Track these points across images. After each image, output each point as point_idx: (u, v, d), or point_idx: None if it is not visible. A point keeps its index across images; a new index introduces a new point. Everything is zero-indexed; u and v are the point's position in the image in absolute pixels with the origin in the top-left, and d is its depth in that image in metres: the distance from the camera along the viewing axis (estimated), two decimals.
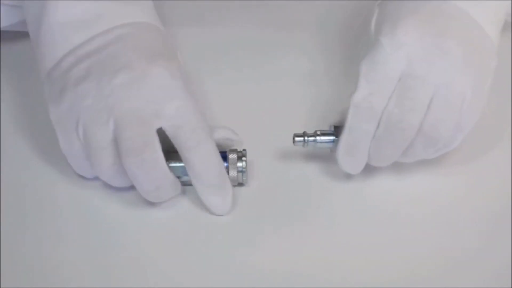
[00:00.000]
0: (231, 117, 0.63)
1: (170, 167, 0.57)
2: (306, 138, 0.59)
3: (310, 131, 0.60)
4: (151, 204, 0.58)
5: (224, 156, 0.58)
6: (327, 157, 0.61)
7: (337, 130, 0.59)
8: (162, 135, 0.57)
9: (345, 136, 0.58)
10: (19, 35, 0.67)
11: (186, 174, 0.57)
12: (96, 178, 0.59)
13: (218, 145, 0.58)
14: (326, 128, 0.60)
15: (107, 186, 0.58)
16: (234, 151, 0.59)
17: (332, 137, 0.59)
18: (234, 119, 0.63)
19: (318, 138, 0.59)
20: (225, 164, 0.58)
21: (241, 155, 0.59)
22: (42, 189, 0.60)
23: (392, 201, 0.59)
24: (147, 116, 0.56)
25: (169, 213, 0.58)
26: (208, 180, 0.57)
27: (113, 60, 0.57)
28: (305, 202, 0.59)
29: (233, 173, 0.58)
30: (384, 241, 0.57)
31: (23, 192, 0.60)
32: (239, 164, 0.58)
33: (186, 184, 0.58)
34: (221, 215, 0.58)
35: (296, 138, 0.59)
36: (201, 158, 0.56)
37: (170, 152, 0.57)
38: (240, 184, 0.59)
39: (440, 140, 0.57)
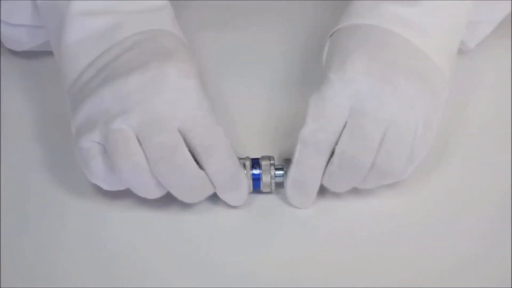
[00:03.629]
0: (234, 121, 0.65)
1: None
2: None
3: None
4: (153, 209, 0.59)
5: (257, 162, 0.59)
6: None
7: (287, 164, 0.59)
8: None
9: (292, 171, 0.57)
10: None
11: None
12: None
13: None
14: None
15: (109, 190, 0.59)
16: (266, 158, 0.59)
17: (281, 172, 0.59)
18: (237, 124, 0.64)
19: None
20: (258, 171, 0.59)
21: (273, 163, 0.59)
22: (43, 193, 0.61)
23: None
24: (167, 119, 0.55)
25: (172, 218, 0.59)
26: (221, 183, 0.57)
27: (127, 64, 0.57)
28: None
29: (266, 179, 0.59)
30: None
31: (25, 195, 0.61)
32: (272, 172, 0.59)
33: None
34: (236, 206, 0.59)
35: None
36: (212, 162, 0.56)
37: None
38: (268, 192, 0.60)
39: (392, 174, 0.57)
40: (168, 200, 0.59)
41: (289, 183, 0.58)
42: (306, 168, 0.57)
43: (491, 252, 0.58)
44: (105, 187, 0.58)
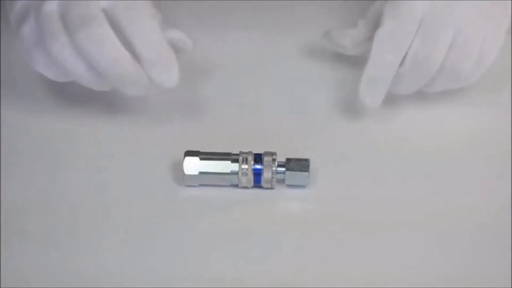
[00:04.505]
0: (237, 118, 0.65)
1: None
2: None
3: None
4: (152, 207, 0.59)
5: (259, 157, 0.60)
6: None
7: (288, 162, 0.59)
8: None
9: (368, 69, 0.62)
10: None
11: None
12: None
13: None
14: None
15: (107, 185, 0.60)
16: (269, 153, 0.60)
17: (283, 169, 0.60)
18: (237, 122, 0.65)
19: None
20: (260, 166, 0.60)
21: (275, 158, 0.60)
22: (42, 188, 0.61)
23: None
24: None
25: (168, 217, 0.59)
26: (149, 58, 0.58)
27: None
28: None
29: (267, 174, 0.59)
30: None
31: (24, 192, 0.60)
32: (273, 167, 0.59)
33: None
34: (169, 88, 0.59)
35: None
36: (137, 35, 0.58)
37: None
38: (269, 188, 0.60)
39: (461, 75, 0.62)
40: (167, 197, 0.60)
41: (363, 80, 0.62)
42: (382, 64, 0.61)
43: (491, 252, 0.58)
44: (49, 76, 0.60)
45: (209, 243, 0.58)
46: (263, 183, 0.60)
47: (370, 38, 0.63)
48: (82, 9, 0.57)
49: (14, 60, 0.68)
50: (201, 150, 0.60)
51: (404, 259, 0.57)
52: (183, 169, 0.60)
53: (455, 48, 0.61)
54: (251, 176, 0.60)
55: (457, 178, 0.62)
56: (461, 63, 0.62)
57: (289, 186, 0.61)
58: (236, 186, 0.60)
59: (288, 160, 0.60)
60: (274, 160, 0.60)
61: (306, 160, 0.60)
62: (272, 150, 0.60)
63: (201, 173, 0.60)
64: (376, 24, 0.63)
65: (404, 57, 0.61)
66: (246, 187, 0.60)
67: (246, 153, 0.60)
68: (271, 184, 0.60)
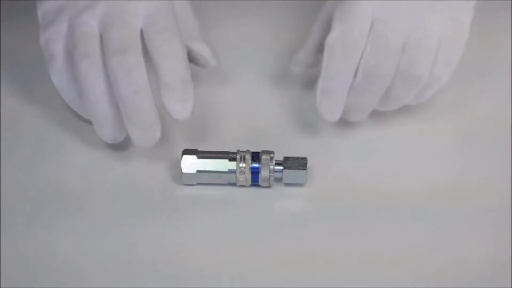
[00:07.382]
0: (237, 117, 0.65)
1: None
2: None
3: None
4: (150, 206, 0.59)
5: (257, 156, 0.60)
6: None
7: (286, 161, 0.60)
8: None
9: (321, 80, 0.59)
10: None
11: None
12: None
13: (190, 57, 0.61)
14: None
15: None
16: (267, 152, 0.60)
17: (281, 167, 0.60)
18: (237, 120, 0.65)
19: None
20: (258, 164, 0.60)
21: (273, 157, 0.60)
22: (41, 187, 0.61)
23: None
24: (130, 16, 0.57)
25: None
26: (170, 83, 0.57)
27: None
28: None
29: (265, 173, 0.59)
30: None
31: (24, 191, 0.60)
32: (271, 166, 0.59)
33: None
34: (180, 121, 0.59)
35: None
36: (165, 59, 0.58)
37: None
38: (267, 186, 0.60)
39: (418, 78, 0.58)
40: (165, 196, 0.60)
41: (318, 92, 0.59)
42: (334, 73, 0.58)
43: (491, 252, 0.58)
44: (63, 89, 0.60)
45: (206, 241, 0.58)
46: (260, 182, 0.60)
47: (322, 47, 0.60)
48: (122, 32, 0.57)
49: (14, 60, 0.69)
50: (199, 149, 0.60)
51: (402, 256, 0.57)
52: (180, 168, 0.60)
53: (408, 50, 0.58)
54: (248, 174, 0.60)
55: (457, 175, 0.62)
56: (415, 66, 0.58)
57: (286, 184, 0.61)
58: (234, 184, 0.60)
59: (286, 158, 0.60)
60: (271, 158, 0.60)
61: (304, 158, 0.60)
62: (270, 149, 0.60)
63: (198, 171, 0.60)
64: (328, 27, 0.60)
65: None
66: (243, 186, 0.60)
67: (244, 151, 0.60)
68: (269, 183, 0.60)
